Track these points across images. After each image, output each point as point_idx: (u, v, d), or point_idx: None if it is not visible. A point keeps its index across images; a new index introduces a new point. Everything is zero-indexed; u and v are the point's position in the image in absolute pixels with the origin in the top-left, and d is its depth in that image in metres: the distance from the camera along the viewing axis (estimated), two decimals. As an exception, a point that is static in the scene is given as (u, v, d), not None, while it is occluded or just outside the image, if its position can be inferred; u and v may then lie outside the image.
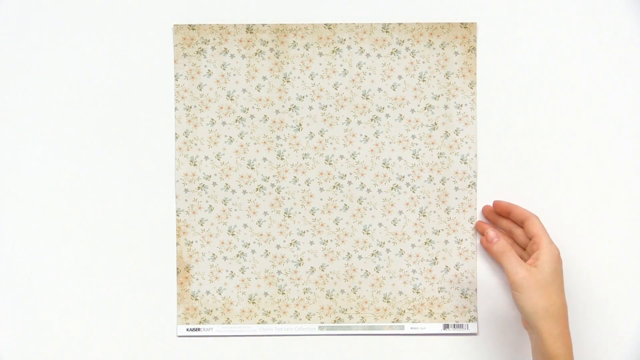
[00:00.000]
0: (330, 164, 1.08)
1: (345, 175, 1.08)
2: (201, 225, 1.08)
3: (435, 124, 1.08)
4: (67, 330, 1.09)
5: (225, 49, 1.08)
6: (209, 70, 1.08)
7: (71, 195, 1.09)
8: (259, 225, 1.09)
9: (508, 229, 1.06)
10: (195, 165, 1.08)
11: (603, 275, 1.09)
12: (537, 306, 0.97)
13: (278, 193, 1.09)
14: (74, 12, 1.08)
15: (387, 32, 1.08)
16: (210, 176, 1.08)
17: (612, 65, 1.09)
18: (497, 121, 1.09)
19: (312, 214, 1.08)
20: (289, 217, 1.09)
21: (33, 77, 1.08)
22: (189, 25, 1.07)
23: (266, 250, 1.09)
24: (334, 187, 1.08)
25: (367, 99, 1.08)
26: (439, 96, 1.07)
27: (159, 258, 1.09)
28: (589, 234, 1.09)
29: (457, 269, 1.08)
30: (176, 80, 1.08)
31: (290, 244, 1.09)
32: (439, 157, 1.07)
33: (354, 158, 1.08)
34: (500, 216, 1.07)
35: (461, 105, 1.07)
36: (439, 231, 1.08)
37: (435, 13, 1.08)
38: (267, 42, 1.08)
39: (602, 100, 1.09)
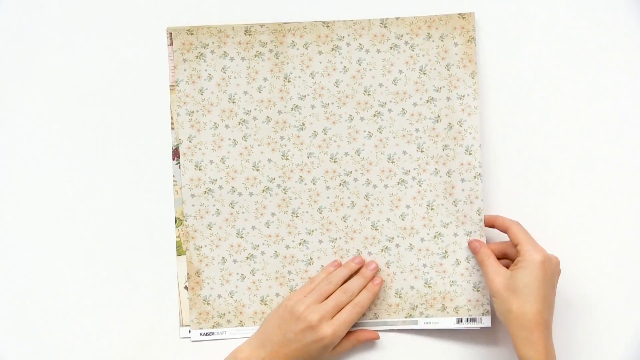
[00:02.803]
0: (335, 161, 1.08)
1: (351, 172, 1.08)
2: (209, 229, 1.08)
3: (439, 116, 1.07)
4: (67, 331, 1.09)
5: (225, 52, 1.08)
6: (210, 74, 1.08)
7: (71, 196, 1.09)
8: (267, 227, 1.09)
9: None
10: (200, 169, 1.08)
11: (610, 266, 1.10)
12: (505, 311, 0.98)
13: (284, 193, 1.08)
14: (71, 15, 1.09)
15: (385, 27, 1.07)
16: (216, 180, 1.08)
17: (612, 52, 1.09)
18: (499, 111, 1.09)
19: (320, 213, 1.08)
20: (296, 216, 1.08)
21: (34, 79, 1.09)
22: (187, 30, 1.07)
23: (276, 251, 1.08)
24: (340, 184, 1.08)
25: (368, 94, 1.07)
26: (440, 88, 1.07)
27: (165, 261, 1.10)
28: (594, 221, 1.09)
29: (468, 262, 1.07)
30: (177, 85, 1.08)
31: (299, 243, 1.08)
32: (443, 149, 1.07)
33: (358, 154, 1.08)
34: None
35: (463, 96, 1.07)
36: (448, 224, 1.07)
37: (432, 5, 1.08)
38: (266, 43, 1.08)
39: (604, 88, 1.09)
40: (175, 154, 1.09)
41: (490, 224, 1.06)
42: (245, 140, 1.08)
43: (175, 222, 1.09)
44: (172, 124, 1.09)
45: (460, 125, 1.07)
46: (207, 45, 1.08)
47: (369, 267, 1.07)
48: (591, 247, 1.09)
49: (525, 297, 0.97)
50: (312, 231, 1.08)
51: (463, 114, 1.06)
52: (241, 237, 1.09)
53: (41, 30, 1.09)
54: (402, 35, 1.07)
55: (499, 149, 1.09)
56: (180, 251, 1.09)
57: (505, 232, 1.04)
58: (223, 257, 1.09)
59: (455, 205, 1.07)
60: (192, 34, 1.07)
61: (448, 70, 1.07)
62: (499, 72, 1.09)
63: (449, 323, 1.07)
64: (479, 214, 1.07)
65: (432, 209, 1.07)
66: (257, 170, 1.09)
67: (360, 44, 1.07)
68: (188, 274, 1.09)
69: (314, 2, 1.09)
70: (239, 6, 1.09)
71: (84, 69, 1.09)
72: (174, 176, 1.09)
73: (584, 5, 1.09)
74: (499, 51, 1.09)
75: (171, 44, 1.08)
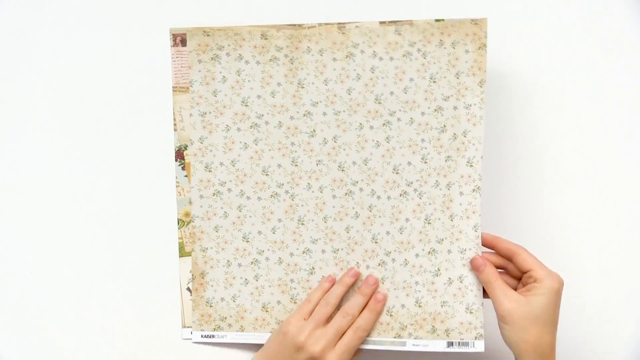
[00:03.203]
0: (342, 170, 1.06)
1: (357, 182, 1.06)
2: (216, 231, 1.08)
3: (444, 126, 1.04)
4: (68, 331, 1.10)
5: (240, 55, 1.07)
6: (224, 77, 1.08)
7: (72, 196, 1.10)
8: (273, 232, 1.07)
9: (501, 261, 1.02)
10: (210, 171, 1.08)
11: (610, 282, 1.08)
12: (521, 340, 0.93)
13: (292, 200, 1.07)
14: (74, 16, 1.10)
15: (399, 34, 1.05)
16: (225, 182, 1.08)
17: (623, 65, 1.06)
18: (502, 121, 1.07)
19: (325, 222, 1.06)
20: (302, 224, 1.07)
21: (36, 79, 1.10)
22: (204, 31, 1.07)
23: (280, 258, 1.07)
24: (346, 194, 1.06)
25: (379, 103, 1.05)
26: (448, 97, 1.03)
27: (168, 262, 1.10)
28: (593, 234, 1.08)
29: (461, 282, 1.02)
30: (191, 86, 1.08)
31: (303, 252, 1.07)
32: (446, 160, 1.03)
33: (366, 164, 1.06)
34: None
35: (470, 105, 1.03)
36: (442, 240, 1.03)
37: (444, 11, 1.08)
38: (282, 48, 1.07)
39: (614, 101, 1.07)
40: (179, 155, 1.09)
41: (490, 245, 1.01)
42: (256, 144, 1.08)
43: (178, 223, 1.10)
44: (174, 125, 1.09)
45: (465, 136, 1.03)
46: (223, 47, 1.07)
47: (369, 282, 1.03)
48: (590, 258, 1.08)
49: (545, 326, 0.93)
50: (316, 240, 1.07)
51: (468, 124, 1.03)
52: (247, 242, 1.08)
53: (43, 31, 1.10)
54: (415, 43, 1.04)
55: (498, 161, 1.08)
56: (182, 252, 1.09)
57: (509, 257, 0.99)
58: (228, 260, 1.08)
59: (452, 220, 1.03)
60: (208, 35, 1.07)
61: (457, 78, 1.03)
62: (504, 79, 1.07)
63: (440, 346, 1.03)
64: (475, 230, 1.02)
65: (429, 223, 1.04)
66: (267, 175, 1.08)
67: (374, 52, 1.05)
68: (193, 275, 1.08)
69: (317, 3, 1.09)
70: (242, 7, 1.09)
71: (87, 70, 1.10)
72: (176, 177, 1.09)
73: (591, 14, 1.08)
74: (504, 58, 1.07)
75: (174, 44, 1.09)
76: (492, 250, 1.02)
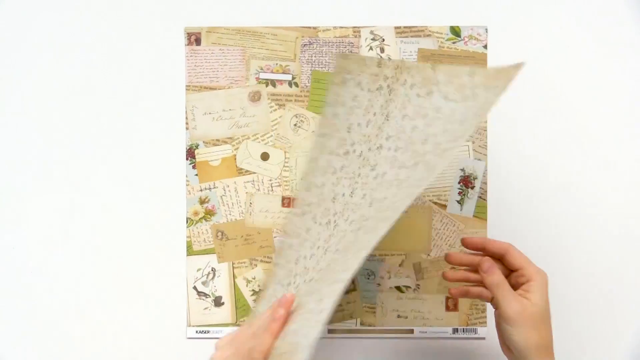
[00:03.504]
0: (371, 206, 0.95)
1: (365, 215, 0.95)
2: (289, 249, 1.06)
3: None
4: (71, 330, 1.11)
5: (359, 82, 1.05)
6: (344, 102, 1.06)
7: (79, 193, 1.12)
8: (310, 259, 1.01)
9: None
10: (309, 191, 1.06)
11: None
12: (530, 340, 0.93)
13: (334, 229, 1.00)
14: (89, 14, 1.12)
15: (470, 76, 0.94)
16: (311, 204, 1.05)
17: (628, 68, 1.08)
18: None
19: (334, 254, 0.97)
20: (324, 253, 0.99)
21: (49, 78, 1.12)
22: (342, 55, 1.07)
23: (298, 285, 1.00)
24: (359, 228, 0.95)
25: (423, 144, 0.94)
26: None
27: (175, 261, 1.11)
28: (592, 233, 1.11)
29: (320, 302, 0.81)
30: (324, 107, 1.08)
31: (310, 280, 0.98)
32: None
33: (385, 199, 0.94)
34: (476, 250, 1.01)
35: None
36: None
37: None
38: (388, 77, 1.02)
39: (615, 105, 1.09)
40: (189, 154, 1.10)
41: (480, 247, 0.99)
42: (340, 171, 1.03)
43: (187, 222, 1.10)
44: (186, 124, 1.10)
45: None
46: (350, 72, 1.06)
47: (281, 300, 0.90)
48: (588, 257, 1.10)
49: (547, 322, 0.94)
50: (320, 270, 0.97)
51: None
52: (296, 264, 1.03)
53: (55, 29, 1.11)
54: (478, 85, 0.90)
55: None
56: (190, 251, 1.10)
57: (500, 257, 0.98)
58: (280, 280, 1.05)
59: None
60: (346, 59, 1.07)
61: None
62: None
63: None
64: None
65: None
66: (333, 202, 1.02)
67: (447, 92, 0.95)
68: (262, 284, 1.08)
69: (332, 5, 1.07)
70: (255, 6, 1.08)
71: (101, 69, 1.11)
72: (187, 176, 1.10)
73: (597, 26, 1.08)
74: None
75: (189, 43, 1.10)
76: (481, 252, 0.99)
